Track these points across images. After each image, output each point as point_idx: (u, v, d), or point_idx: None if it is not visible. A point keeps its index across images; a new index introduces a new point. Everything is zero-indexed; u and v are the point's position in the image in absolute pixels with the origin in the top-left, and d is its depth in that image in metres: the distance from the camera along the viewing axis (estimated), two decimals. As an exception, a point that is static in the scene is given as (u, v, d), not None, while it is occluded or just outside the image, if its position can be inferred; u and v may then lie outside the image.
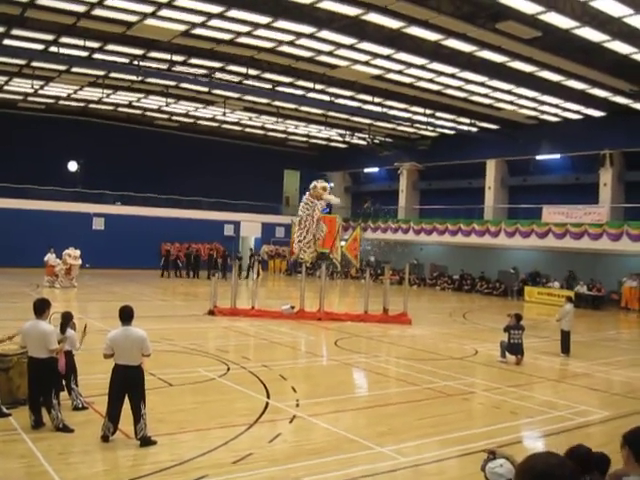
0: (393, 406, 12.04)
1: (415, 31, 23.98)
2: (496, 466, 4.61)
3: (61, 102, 40.78)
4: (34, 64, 31.44)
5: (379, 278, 35.02)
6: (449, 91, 32.22)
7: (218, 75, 31.83)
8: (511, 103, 33.89)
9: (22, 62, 31.37)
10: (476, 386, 14.16)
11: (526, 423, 11.34)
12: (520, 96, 32.31)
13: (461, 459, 9.15)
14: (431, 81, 30.65)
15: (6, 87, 36.86)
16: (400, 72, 29.54)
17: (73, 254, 31.61)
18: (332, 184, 50.45)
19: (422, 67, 28.42)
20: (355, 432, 10.08)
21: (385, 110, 37.11)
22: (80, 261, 31.99)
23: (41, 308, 9.68)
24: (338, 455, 9.02)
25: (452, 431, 10.42)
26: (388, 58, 27.47)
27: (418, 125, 40.54)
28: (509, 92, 31.62)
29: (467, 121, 38.89)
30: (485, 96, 32.72)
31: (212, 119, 43.84)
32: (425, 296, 36.76)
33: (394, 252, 42.17)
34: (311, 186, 24.77)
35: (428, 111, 36.71)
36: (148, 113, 43.07)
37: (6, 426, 9.60)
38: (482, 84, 30.42)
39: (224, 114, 39.79)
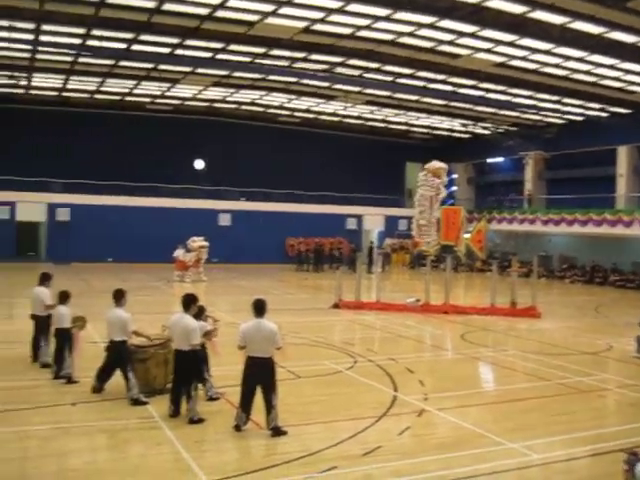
0: (523, 401, 11.70)
1: (539, 15, 23.25)
2: None
3: (187, 103, 42.20)
4: (161, 67, 32.70)
5: (506, 271, 34.20)
6: (577, 76, 31.03)
7: (339, 70, 32.01)
8: (644, 85, 32.26)
9: (150, 66, 32.71)
10: (610, 382, 13.58)
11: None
12: (654, 77, 30.72)
13: (592, 459, 8.78)
14: (557, 66, 29.63)
15: (135, 90, 38.52)
16: (524, 58, 28.72)
17: (198, 240, 32.65)
18: (456, 175, 49.87)
19: (548, 52, 27.53)
20: (484, 427, 9.89)
21: (509, 98, 36.22)
22: (207, 243, 32.98)
23: (187, 303, 10.07)
24: (467, 450, 8.90)
25: (584, 429, 10.02)
26: (511, 44, 26.80)
27: (544, 112, 39.33)
28: (642, 74, 30.13)
29: (596, 106, 37.31)
30: (616, 79, 31.28)
31: (333, 114, 44.13)
32: (554, 289, 35.60)
33: (521, 243, 41.13)
34: (429, 165, 24.80)
35: (554, 97, 35.52)
36: (271, 110, 43.86)
37: (144, 414, 10.07)
38: (612, 67, 29.12)
39: (345, 108, 40.03)
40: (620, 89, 33.06)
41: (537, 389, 12.60)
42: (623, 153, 39.33)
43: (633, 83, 31.85)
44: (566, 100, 36.21)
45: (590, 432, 9.86)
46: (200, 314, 10.54)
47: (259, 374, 9.19)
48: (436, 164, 24.93)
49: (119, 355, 10.72)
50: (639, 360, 15.74)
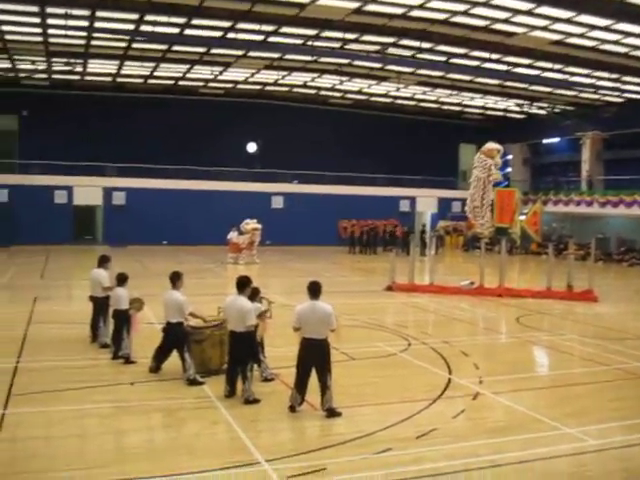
0: (579, 386, 11.53)
1: (598, -10, 22.67)
2: None
3: (239, 86, 42.38)
4: (213, 51, 32.87)
5: (562, 254, 33.63)
6: (637, 52, 30.09)
7: (391, 50, 31.72)
8: None
9: (202, 50, 32.91)
10: (672, 368, 13.26)
11: None
12: None
13: (652, 447, 8.60)
14: (617, 43, 28.81)
15: (188, 75, 38.85)
16: (582, 35, 28.01)
17: (251, 223, 32.87)
18: (510, 156, 49.09)
19: (606, 29, 26.79)
20: (539, 411, 9.76)
21: (566, 77, 35.42)
22: (260, 226, 33.17)
23: (242, 284, 10.14)
24: (522, 434, 8.82)
25: (644, 416, 9.82)
26: (568, 21, 26.18)
27: (602, 91, 38.35)
28: None
29: (658, 84, 36.25)
30: (679, 55, 30.28)
31: (385, 95, 43.83)
32: (611, 272, 34.85)
33: (577, 226, 40.36)
34: (484, 146, 24.48)
35: (613, 75, 34.55)
36: (322, 92, 43.78)
37: (200, 394, 10.24)
38: (676, 42, 28.19)
39: (398, 89, 39.65)
40: (683, 65, 32.04)
41: (594, 374, 12.39)
42: (684, 132, 38.14)
43: (697, 59, 30.81)
44: (625, 78, 35.22)
45: (650, 418, 9.65)
46: (254, 296, 10.62)
47: (314, 355, 9.22)
48: (489, 145, 24.57)
49: (175, 337, 10.88)
50: (701, 345, 15.34)
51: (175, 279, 11.15)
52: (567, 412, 9.87)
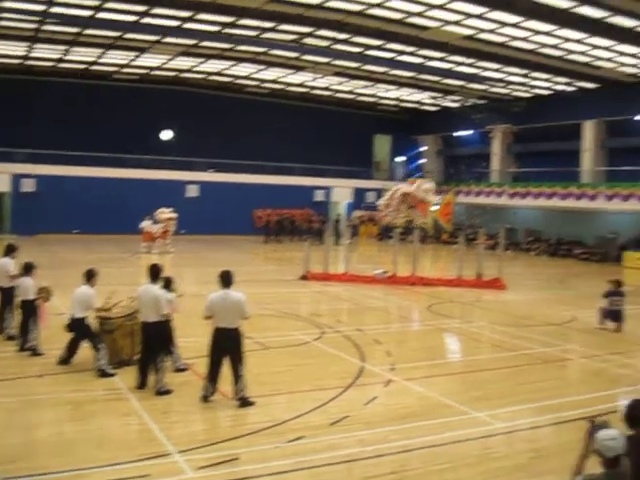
0: (488, 372, 11.90)
1: (509, -12, 23.22)
2: (608, 438, 4.52)
3: (154, 72, 41.58)
4: (127, 36, 32.10)
5: (472, 243, 34.48)
6: (545, 50, 31.00)
7: (307, 40, 31.72)
8: (610, 60, 32.30)
9: (116, 34, 32.08)
10: (574, 353, 13.85)
11: (627, 392, 10.89)
12: (621, 53, 30.71)
13: (557, 427, 8.97)
14: (526, 40, 29.59)
15: (101, 59, 37.85)
16: (493, 31, 28.66)
17: (166, 212, 32.42)
18: (425, 147, 49.93)
19: (516, 25, 27.46)
20: (450, 397, 10.03)
21: (477, 71, 36.19)
22: (175, 215, 32.73)
23: (155, 273, 10.01)
24: (433, 419, 9.03)
25: (548, 398, 10.23)
26: (480, 17, 26.70)
27: (512, 86, 39.43)
28: (609, 49, 30.13)
29: (564, 80, 37.48)
30: (583, 54, 31.30)
31: (302, 85, 43.79)
32: (519, 261, 35.94)
33: (488, 216, 41.41)
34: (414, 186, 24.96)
35: (522, 71, 35.56)
36: (238, 81, 43.43)
37: (111, 385, 10.07)
38: (580, 41, 29.12)
39: (314, 79, 39.70)
40: (587, 64, 33.16)
41: (503, 359, 12.80)
42: (589, 128, 39.47)
43: (599, 58, 31.90)
44: (534, 74, 36.26)
45: (554, 401, 10.07)
46: (169, 285, 10.51)
47: (226, 345, 9.18)
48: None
49: (81, 331, 10.67)
50: (602, 331, 16.02)
51: (89, 276, 10.90)
52: (476, 396, 10.18)
